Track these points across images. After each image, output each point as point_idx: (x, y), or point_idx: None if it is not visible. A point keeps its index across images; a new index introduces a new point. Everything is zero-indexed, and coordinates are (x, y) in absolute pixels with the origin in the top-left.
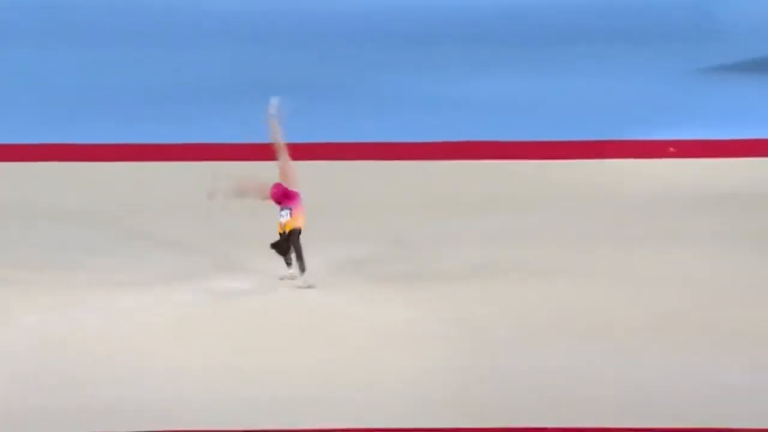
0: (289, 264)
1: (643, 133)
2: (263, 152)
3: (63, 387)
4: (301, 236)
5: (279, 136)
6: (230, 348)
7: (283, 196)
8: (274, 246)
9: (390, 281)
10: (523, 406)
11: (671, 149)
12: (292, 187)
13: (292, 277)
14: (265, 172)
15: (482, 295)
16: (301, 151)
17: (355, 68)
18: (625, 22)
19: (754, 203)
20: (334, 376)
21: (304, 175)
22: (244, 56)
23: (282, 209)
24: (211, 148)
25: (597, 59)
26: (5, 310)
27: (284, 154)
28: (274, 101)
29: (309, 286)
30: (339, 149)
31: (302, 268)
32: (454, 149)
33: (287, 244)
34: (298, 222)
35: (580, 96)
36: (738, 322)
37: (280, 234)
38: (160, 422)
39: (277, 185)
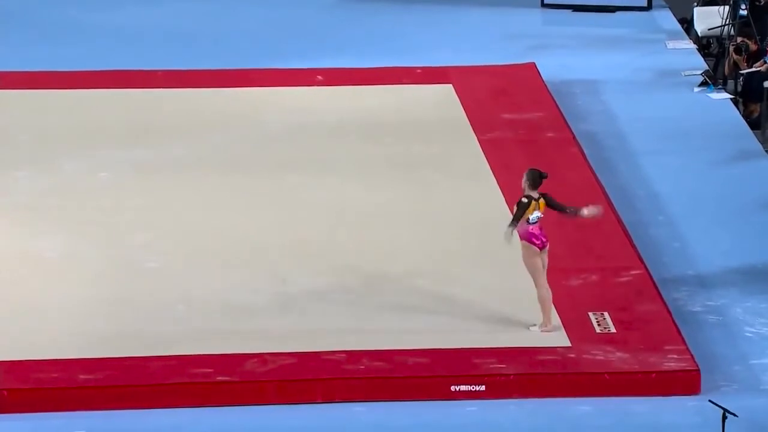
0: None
1: (291, 62)
2: None
3: None
4: None
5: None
6: None
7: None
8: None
9: (43, 213)
10: (171, 335)
11: (319, 77)
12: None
13: None
14: None
15: (137, 225)
16: None
17: None
18: None
19: (398, 130)
20: None
21: None
22: None
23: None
24: None
25: None
26: None
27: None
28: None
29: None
30: None
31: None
32: (100, 78)
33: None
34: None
35: (228, 25)
36: (379, 244)
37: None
38: None
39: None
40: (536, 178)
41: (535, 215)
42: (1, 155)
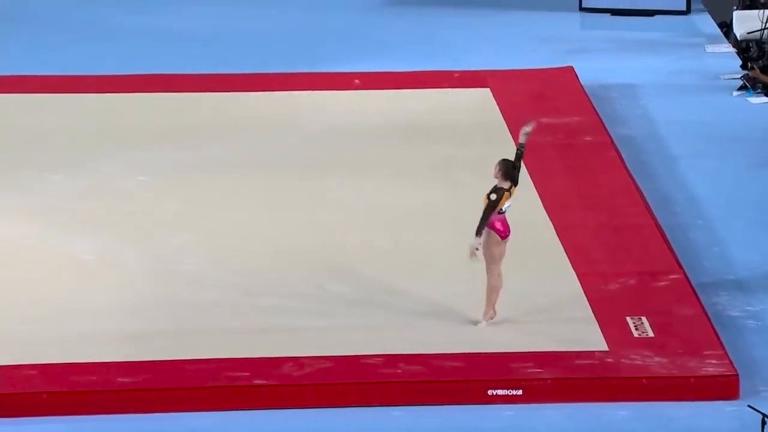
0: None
1: (329, 66)
2: None
3: None
4: None
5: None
6: None
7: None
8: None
9: (80, 216)
10: (208, 338)
11: (356, 81)
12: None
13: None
14: None
15: (173, 227)
16: None
17: None
18: None
19: (435, 134)
20: (21, 307)
21: None
22: None
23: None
24: None
25: None
26: None
27: None
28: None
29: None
30: (20, 82)
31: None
32: (138, 82)
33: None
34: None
35: (265, 28)
36: (416, 247)
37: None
38: None
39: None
40: (509, 169)
41: (507, 205)
42: (38, 158)
